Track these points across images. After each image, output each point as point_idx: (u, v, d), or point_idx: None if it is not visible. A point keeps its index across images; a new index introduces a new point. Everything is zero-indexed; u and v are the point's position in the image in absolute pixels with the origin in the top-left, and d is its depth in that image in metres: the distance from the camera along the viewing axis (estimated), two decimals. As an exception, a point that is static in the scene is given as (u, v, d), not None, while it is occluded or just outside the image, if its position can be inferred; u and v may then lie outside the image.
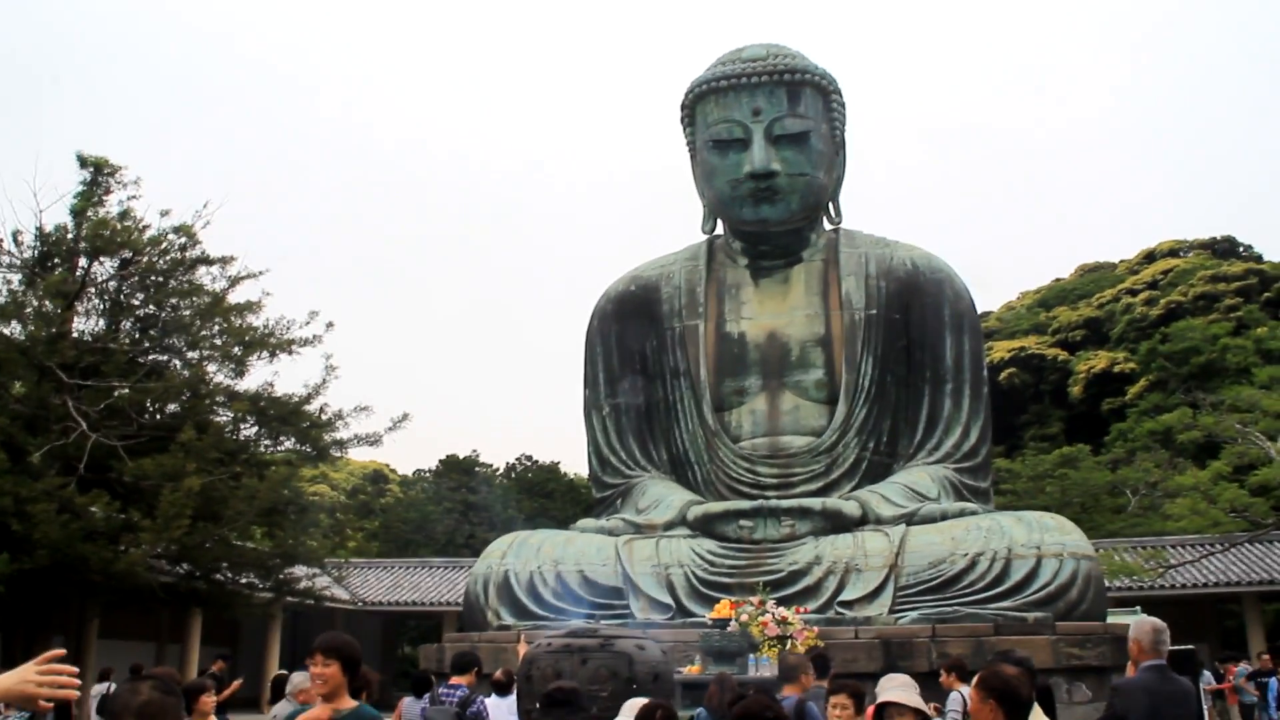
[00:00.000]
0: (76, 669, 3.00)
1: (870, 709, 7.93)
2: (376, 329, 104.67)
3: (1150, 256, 64.03)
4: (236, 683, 15.37)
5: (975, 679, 5.11)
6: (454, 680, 10.26)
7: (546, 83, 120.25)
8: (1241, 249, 63.52)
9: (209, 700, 9.11)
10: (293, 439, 25.80)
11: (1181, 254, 63.33)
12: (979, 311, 19.44)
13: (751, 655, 13.12)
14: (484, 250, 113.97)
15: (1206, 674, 23.66)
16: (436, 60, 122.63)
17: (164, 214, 24.65)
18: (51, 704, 2.98)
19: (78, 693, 2.94)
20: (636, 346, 18.73)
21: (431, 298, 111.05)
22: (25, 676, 2.93)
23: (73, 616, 24.66)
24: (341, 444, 26.30)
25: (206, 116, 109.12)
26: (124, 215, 24.35)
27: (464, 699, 9.75)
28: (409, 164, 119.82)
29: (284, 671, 18.15)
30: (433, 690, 10.45)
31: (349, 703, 5.63)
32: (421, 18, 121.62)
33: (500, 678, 11.22)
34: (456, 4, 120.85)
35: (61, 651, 3.01)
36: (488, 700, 10.09)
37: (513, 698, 10.43)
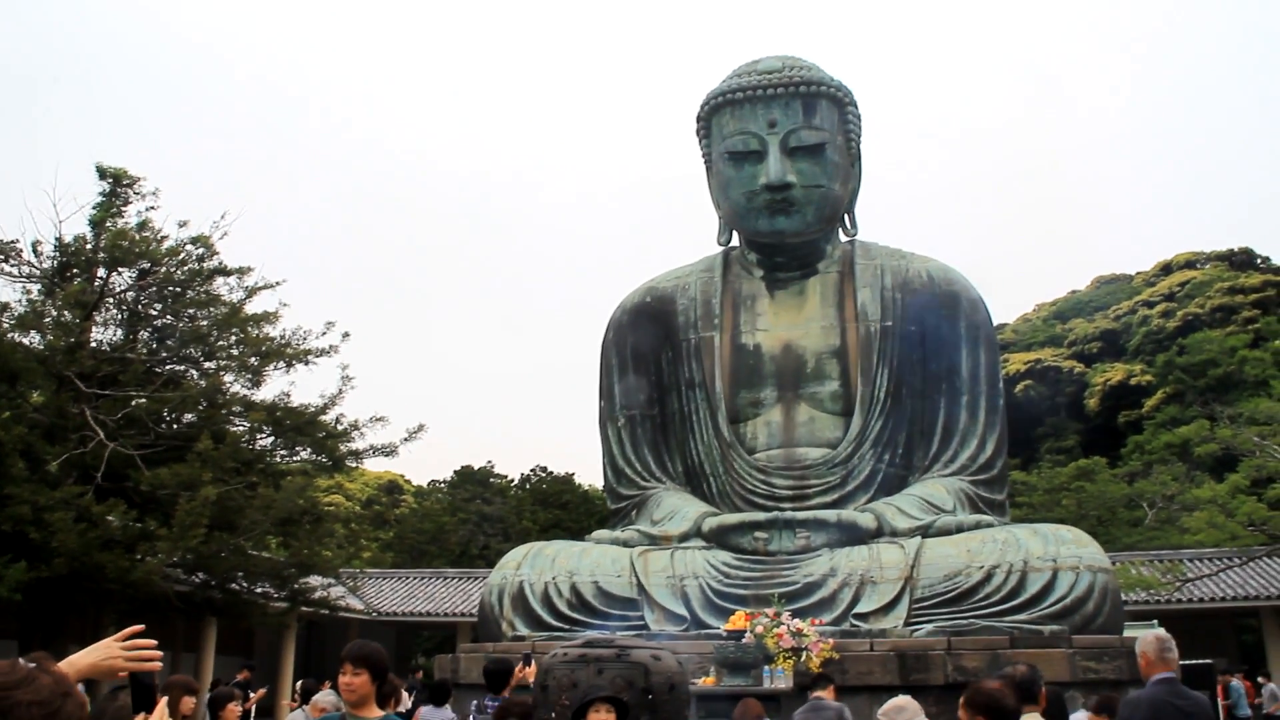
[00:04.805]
0: (156, 642, 3.02)
1: None
2: (393, 340, 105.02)
3: (1167, 268, 63.79)
4: (260, 691, 15.39)
5: (961, 698, 5.06)
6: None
7: (555, 91, 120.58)
8: (1259, 260, 63.23)
9: (235, 709, 9.16)
10: (308, 449, 25.94)
11: (1198, 265, 63.08)
12: (995, 323, 19.39)
13: (766, 667, 13.10)
14: (498, 261, 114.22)
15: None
16: (446, 70, 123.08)
17: (182, 225, 24.86)
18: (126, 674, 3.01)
19: (161, 664, 2.97)
20: (652, 358, 18.73)
21: (447, 309, 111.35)
22: (110, 653, 2.97)
23: (89, 624, 24.76)
24: (357, 454, 26.45)
25: (220, 128, 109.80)
26: (142, 226, 24.54)
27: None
28: (422, 175, 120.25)
29: (311, 680, 18.15)
30: (469, 702, 10.41)
31: (376, 712, 5.69)
32: (435, 29, 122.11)
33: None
34: (467, 13, 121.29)
35: (141, 627, 3.05)
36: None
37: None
